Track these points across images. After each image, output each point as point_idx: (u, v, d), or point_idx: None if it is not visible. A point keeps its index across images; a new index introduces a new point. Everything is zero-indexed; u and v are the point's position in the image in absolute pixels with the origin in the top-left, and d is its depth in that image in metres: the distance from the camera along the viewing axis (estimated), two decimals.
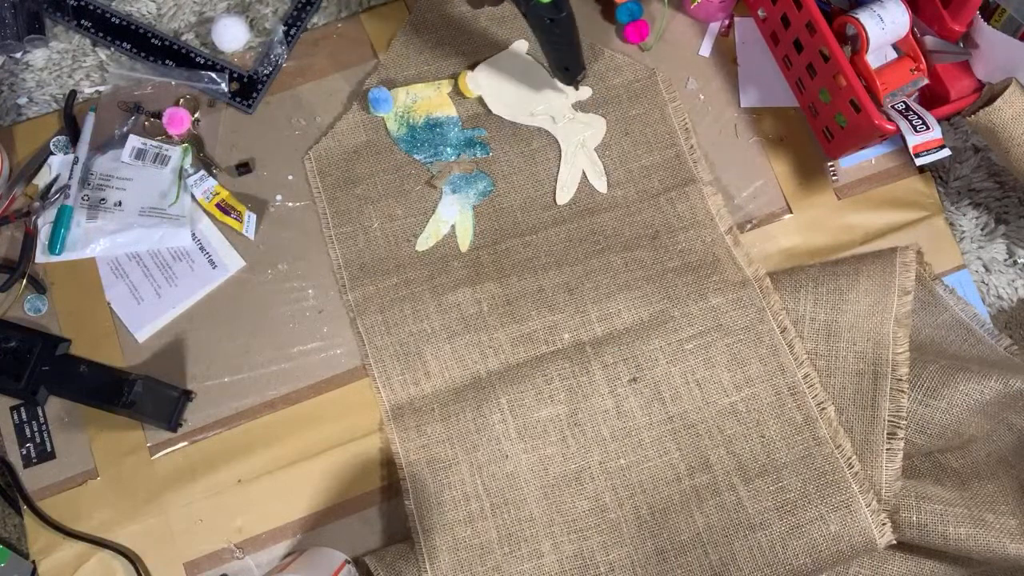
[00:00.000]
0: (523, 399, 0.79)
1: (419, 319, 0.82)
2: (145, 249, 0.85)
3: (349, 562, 0.78)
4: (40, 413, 0.81)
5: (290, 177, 0.88)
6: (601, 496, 0.77)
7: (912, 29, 0.81)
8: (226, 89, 0.88)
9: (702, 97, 0.90)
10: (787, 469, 0.77)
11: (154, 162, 0.86)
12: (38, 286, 0.83)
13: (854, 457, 0.76)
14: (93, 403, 0.80)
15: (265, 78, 0.89)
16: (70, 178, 0.84)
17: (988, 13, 0.82)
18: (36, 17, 0.89)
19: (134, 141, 0.86)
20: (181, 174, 0.86)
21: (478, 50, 0.90)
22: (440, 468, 0.78)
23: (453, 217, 0.86)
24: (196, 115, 0.88)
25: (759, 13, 0.91)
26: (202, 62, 0.90)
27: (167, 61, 0.90)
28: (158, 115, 0.87)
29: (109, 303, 0.84)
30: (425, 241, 0.86)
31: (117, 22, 0.91)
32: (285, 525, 0.80)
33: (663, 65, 0.90)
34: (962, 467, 0.76)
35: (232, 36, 0.89)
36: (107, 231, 0.84)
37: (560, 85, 0.88)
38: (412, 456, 0.79)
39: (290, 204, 0.87)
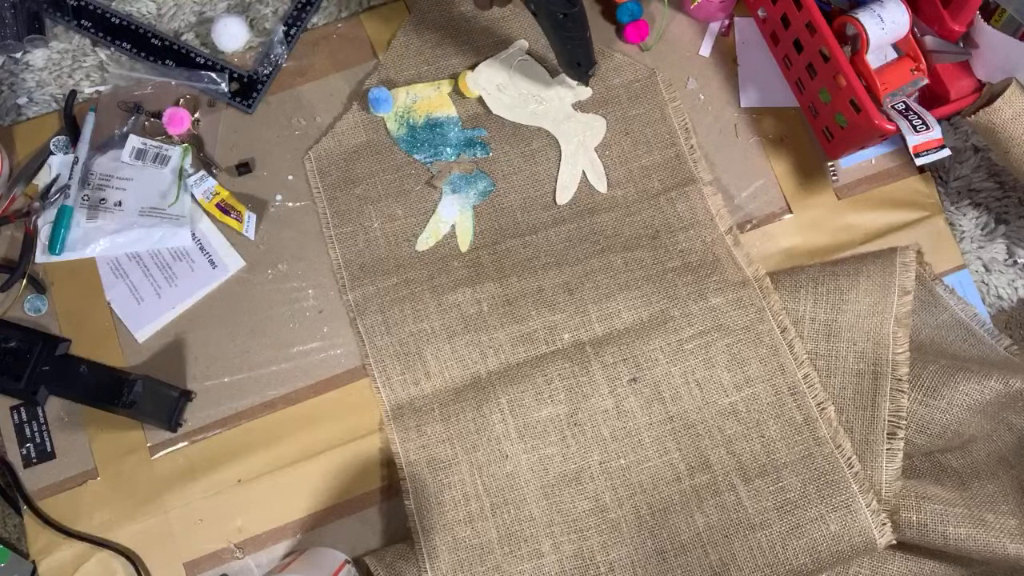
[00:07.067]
0: (523, 399, 0.79)
1: (419, 319, 0.82)
2: (145, 249, 0.85)
3: (349, 562, 0.78)
4: (40, 413, 0.81)
5: (290, 177, 0.88)
6: (601, 496, 0.77)
7: (912, 29, 0.81)
8: (226, 89, 0.88)
9: (702, 97, 0.90)
10: (787, 469, 0.77)
11: (154, 162, 0.86)
12: (38, 286, 0.83)
13: (854, 457, 0.76)
14: (93, 403, 0.80)
15: (265, 78, 0.89)
16: (70, 178, 0.84)
17: (988, 13, 0.82)
18: (36, 17, 0.89)
19: (134, 141, 0.86)
20: (181, 174, 0.86)
21: (478, 50, 0.90)
22: (440, 468, 0.78)
23: (453, 217, 0.86)
24: (196, 115, 0.88)
25: (759, 13, 0.91)
26: (202, 62, 0.90)
27: (167, 61, 0.90)
28: (158, 115, 0.87)
29: (109, 303, 0.84)
30: (425, 241, 0.86)
31: (117, 22, 0.90)
32: (285, 525, 0.80)
33: (663, 65, 0.90)
34: (962, 467, 0.76)
35: (232, 36, 0.89)
36: (107, 231, 0.84)
37: (569, 81, 0.87)
38: (412, 456, 0.79)
39: (290, 204, 0.87)
